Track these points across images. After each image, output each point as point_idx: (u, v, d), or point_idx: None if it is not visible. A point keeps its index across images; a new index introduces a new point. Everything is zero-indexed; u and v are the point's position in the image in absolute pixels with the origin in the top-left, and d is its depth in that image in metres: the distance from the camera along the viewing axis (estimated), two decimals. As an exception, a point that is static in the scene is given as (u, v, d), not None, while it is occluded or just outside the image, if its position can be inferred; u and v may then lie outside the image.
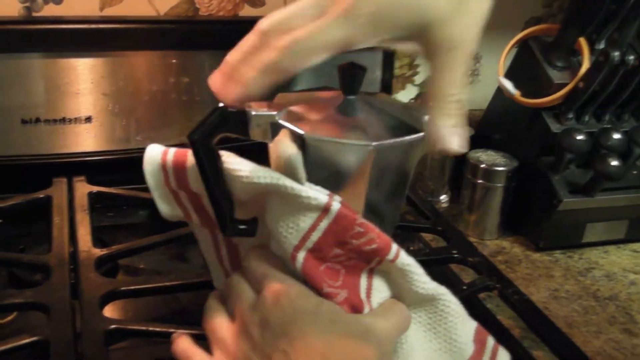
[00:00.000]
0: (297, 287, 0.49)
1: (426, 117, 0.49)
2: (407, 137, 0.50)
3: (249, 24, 1.08)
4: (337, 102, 0.52)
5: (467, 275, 0.85)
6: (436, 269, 0.88)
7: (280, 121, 0.50)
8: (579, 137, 0.94)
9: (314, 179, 0.50)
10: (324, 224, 0.48)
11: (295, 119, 0.50)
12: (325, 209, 0.47)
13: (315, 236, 0.48)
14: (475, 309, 0.80)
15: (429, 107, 0.48)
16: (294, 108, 0.52)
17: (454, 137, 0.48)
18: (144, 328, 0.67)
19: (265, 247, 0.52)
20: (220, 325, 0.52)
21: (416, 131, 0.51)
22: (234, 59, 0.49)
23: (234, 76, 0.49)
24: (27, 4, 0.97)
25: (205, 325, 0.54)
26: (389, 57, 1.08)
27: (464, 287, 0.79)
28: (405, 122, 0.52)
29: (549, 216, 0.98)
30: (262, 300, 0.49)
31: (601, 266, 0.97)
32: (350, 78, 0.51)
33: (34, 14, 0.98)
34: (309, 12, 0.47)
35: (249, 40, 0.49)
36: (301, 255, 0.48)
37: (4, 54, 0.90)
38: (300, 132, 0.49)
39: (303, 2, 0.48)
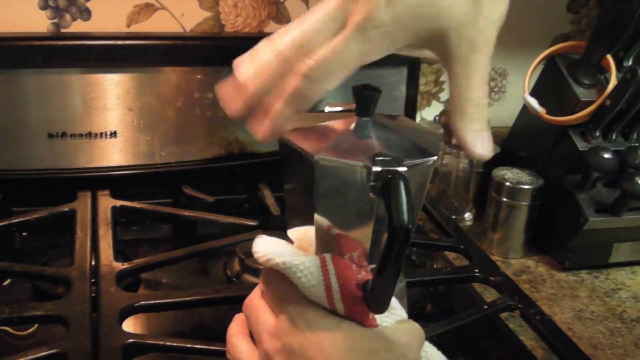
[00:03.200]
0: (313, 309, 0.48)
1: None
2: (410, 161, 0.50)
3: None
4: (352, 123, 0.52)
5: (490, 295, 0.84)
6: (458, 287, 0.87)
7: (287, 137, 0.51)
8: (606, 156, 0.93)
9: (322, 194, 0.51)
10: (331, 273, 0.48)
11: (306, 137, 0.51)
12: (322, 262, 0.48)
13: (334, 284, 0.48)
14: (497, 329, 0.79)
15: (451, 112, 0.48)
16: (308, 127, 0.52)
17: (477, 142, 0.48)
18: (162, 343, 0.67)
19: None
20: (243, 354, 0.52)
21: (426, 156, 0.51)
22: (257, 88, 0.48)
23: (263, 110, 0.48)
24: (56, 20, 0.99)
25: (228, 354, 0.54)
26: (414, 74, 1.08)
27: (486, 307, 0.78)
28: (418, 146, 0.52)
29: (574, 235, 0.96)
30: (280, 325, 0.48)
31: (628, 287, 0.95)
32: (364, 100, 0.51)
33: (62, 30, 1.00)
34: (326, 28, 0.46)
35: (268, 62, 0.48)
36: (339, 307, 0.48)
37: (32, 69, 0.91)
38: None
39: (317, 16, 0.47)
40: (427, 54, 0.48)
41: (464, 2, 0.44)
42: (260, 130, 0.48)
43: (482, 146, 0.48)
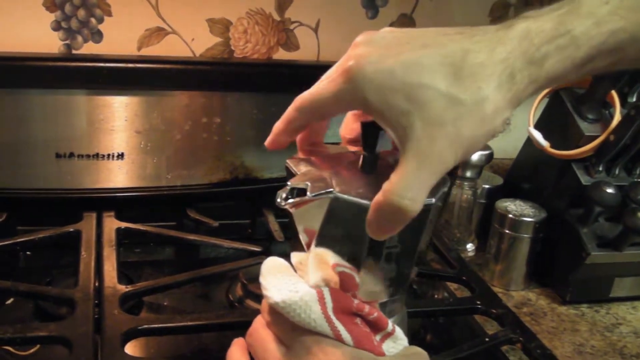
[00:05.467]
0: (328, 339, 0.48)
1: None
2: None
3: (282, 67, 1.10)
4: (359, 157, 0.53)
5: (491, 327, 0.84)
6: (460, 319, 0.87)
7: (289, 163, 0.53)
8: (609, 191, 0.93)
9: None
10: (329, 307, 0.49)
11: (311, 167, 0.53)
12: (320, 296, 0.49)
13: (333, 317, 0.49)
14: (497, 361, 0.79)
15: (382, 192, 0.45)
16: (315, 159, 0.54)
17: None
18: (163, 367, 0.67)
19: None
20: None
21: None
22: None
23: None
24: (68, 42, 1.00)
25: None
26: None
27: (487, 339, 0.78)
28: None
29: (576, 269, 0.96)
30: (296, 353, 0.49)
31: (629, 322, 0.95)
32: (370, 135, 0.51)
33: (74, 52, 1.01)
34: (325, 75, 0.50)
35: None
36: (347, 338, 0.49)
37: (43, 89, 0.92)
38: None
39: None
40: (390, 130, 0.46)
41: (444, 103, 0.43)
42: (268, 141, 0.54)
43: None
